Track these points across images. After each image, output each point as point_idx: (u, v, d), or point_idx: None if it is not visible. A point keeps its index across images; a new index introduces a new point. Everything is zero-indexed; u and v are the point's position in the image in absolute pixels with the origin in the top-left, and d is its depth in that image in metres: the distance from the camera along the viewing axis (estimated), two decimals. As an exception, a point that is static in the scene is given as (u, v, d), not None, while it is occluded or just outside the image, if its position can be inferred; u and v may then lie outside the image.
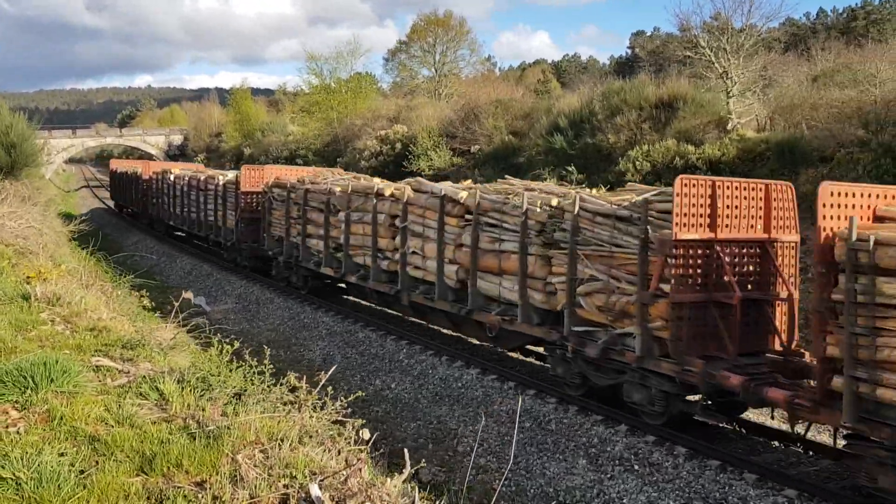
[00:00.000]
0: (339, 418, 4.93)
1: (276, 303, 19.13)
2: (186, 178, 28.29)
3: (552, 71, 71.48)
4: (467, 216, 12.70)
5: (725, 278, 9.10)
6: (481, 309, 12.42)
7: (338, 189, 16.96)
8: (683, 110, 26.09)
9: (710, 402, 9.62)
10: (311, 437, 4.52)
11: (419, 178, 16.10)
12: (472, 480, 9.12)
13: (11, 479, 3.89)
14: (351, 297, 18.52)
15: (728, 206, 9.27)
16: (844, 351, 7.19)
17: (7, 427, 4.68)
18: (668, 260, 8.96)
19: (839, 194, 7.61)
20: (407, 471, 3.92)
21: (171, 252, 28.81)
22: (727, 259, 9.17)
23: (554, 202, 11.03)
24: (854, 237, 7.11)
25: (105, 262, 18.42)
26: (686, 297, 8.93)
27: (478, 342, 14.01)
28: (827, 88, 23.71)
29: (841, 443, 8.08)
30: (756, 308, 9.40)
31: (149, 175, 35.01)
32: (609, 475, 8.88)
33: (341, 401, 5.14)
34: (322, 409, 4.94)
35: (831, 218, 7.49)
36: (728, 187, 9.33)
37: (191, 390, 5.37)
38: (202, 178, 26.69)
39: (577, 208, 10.34)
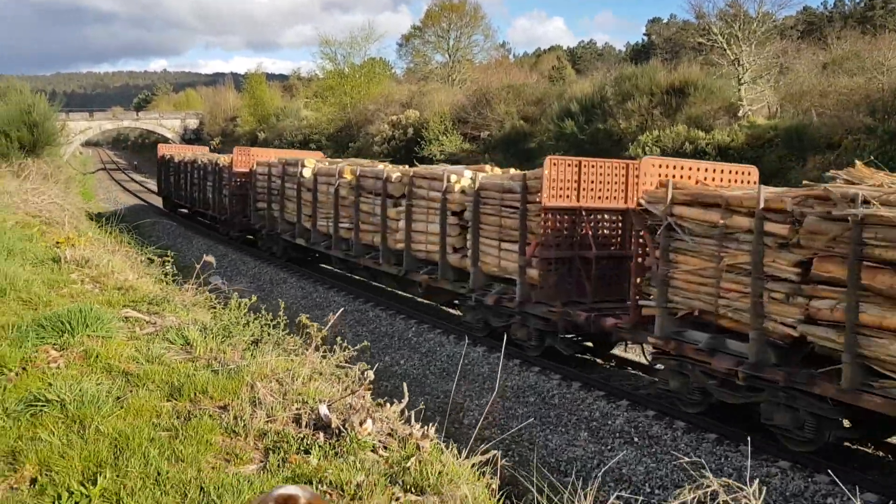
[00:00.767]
0: (344, 364, 5.39)
1: (289, 283, 19.63)
2: (188, 159, 31.09)
3: (567, 57, 70.76)
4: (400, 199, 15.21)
5: (587, 239, 11.26)
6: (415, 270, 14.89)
7: (308, 172, 19.19)
8: (694, 96, 26.28)
9: (577, 338, 11.71)
10: (321, 374, 5.00)
11: (372, 161, 19.24)
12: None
13: (56, 400, 4.39)
14: (356, 276, 19.28)
15: (592, 181, 11.43)
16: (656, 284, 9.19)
17: (49, 363, 5.19)
18: (539, 222, 11.06)
19: (656, 166, 9.92)
20: (405, 400, 4.38)
21: (186, 233, 29.44)
22: (590, 223, 11.33)
23: (465, 182, 13.25)
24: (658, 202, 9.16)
25: (127, 234, 19.01)
26: (552, 253, 11.15)
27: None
28: (836, 76, 23.82)
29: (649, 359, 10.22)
30: (616, 263, 11.43)
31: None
32: (609, 447, 9.27)
33: (348, 349, 5.59)
34: (332, 353, 5.40)
35: (650, 185, 9.65)
36: (593, 166, 11.49)
37: (213, 337, 5.87)
38: (204, 160, 29.10)
39: (477, 185, 12.57)
